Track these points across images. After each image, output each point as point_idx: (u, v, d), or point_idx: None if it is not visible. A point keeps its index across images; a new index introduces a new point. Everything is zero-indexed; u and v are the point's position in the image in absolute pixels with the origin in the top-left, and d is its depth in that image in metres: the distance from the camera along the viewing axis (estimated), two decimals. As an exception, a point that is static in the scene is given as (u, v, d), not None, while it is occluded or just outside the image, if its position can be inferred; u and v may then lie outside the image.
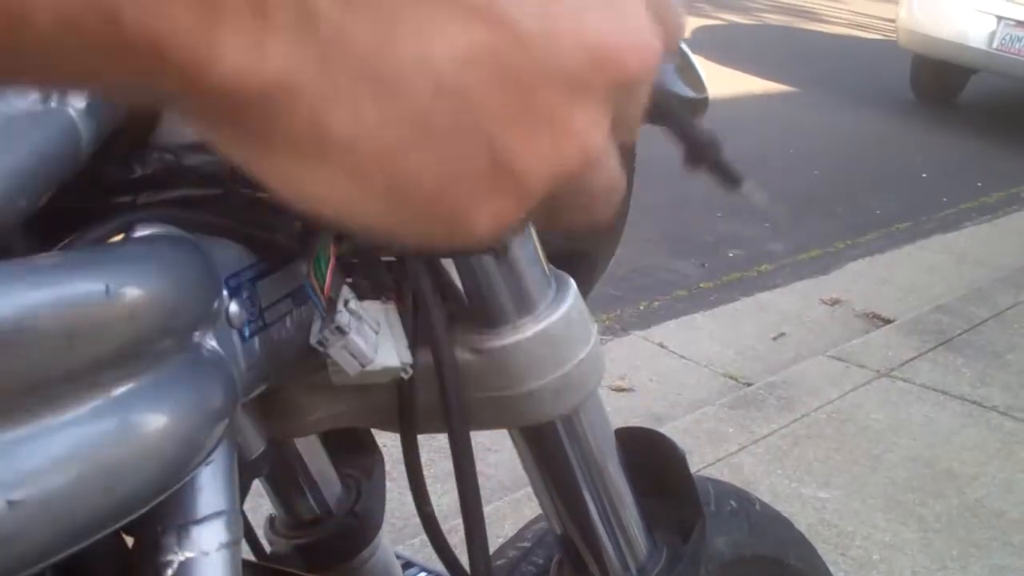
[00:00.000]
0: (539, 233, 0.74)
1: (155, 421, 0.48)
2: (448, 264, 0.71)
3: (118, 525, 0.47)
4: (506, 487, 2.50)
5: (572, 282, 0.77)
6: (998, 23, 6.67)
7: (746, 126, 6.33)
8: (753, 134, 6.29)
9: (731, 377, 3.37)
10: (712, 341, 3.63)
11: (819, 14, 11.86)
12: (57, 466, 0.43)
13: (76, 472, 0.43)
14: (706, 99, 0.70)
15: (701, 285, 4.15)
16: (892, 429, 2.96)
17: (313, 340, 0.66)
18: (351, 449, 1.04)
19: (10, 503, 0.40)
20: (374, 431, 1.01)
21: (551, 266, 0.76)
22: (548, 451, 0.82)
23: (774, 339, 3.71)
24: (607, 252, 0.91)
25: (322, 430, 0.81)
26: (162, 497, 0.50)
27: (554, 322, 0.73)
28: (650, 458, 0.91)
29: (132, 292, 0.48)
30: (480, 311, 0.72)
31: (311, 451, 0.99)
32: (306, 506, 1.00)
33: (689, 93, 0.69)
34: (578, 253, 0.88)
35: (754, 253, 4.55)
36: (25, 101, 0.50)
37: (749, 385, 3.24)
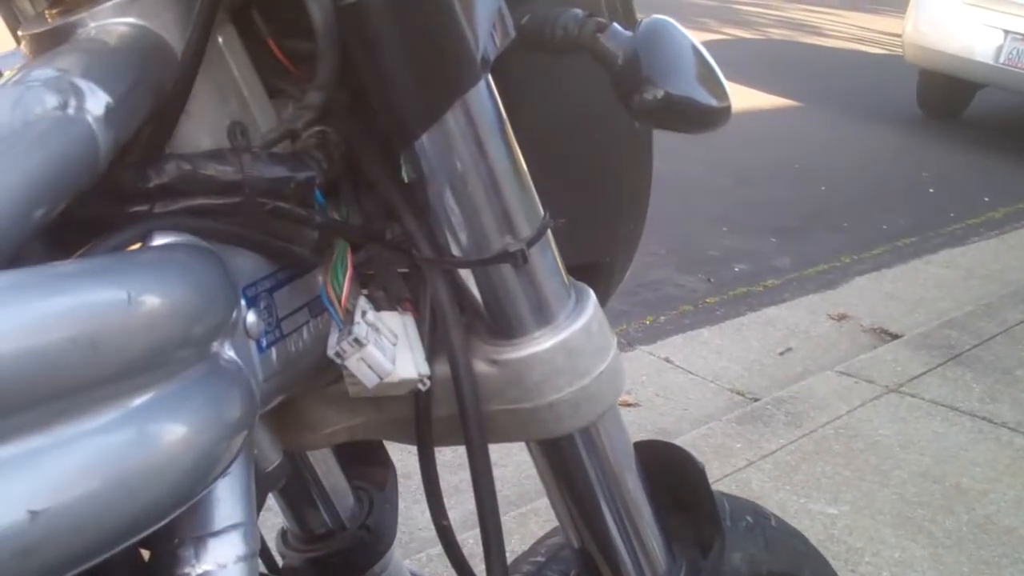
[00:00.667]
0: (557, 242, 0.73)
1: (175, 432, 0.47)
2: (466, 274, 0.70)
3: (139, 536, 0.46)
4: (512, 502, 2.48)
5: (592, 293, 0.76)
6: (1005, 37, 6.67)
7: (752, 141, 6.33)
8: (759, 149, 6.29)
9: (738, 392, 3.36)
10: (719, 356, 3.61)
11: (824, 29, 11.87)
12: (79, 476, 0.42)
13: (98, 483, 0.43)
14: (728, 107, 0.69)
15: (707, 300, 4.14)
16: (901, 445, 2.95)
17: (330, 352, 0.66)
18: (364, 462, 1.04)
19: (32, 513, 0.39)
20: (387, 444, 1.00)
21: (570, 277, 0.75)
22: (566, 464, 0.81)
23: (781, 354, 3.69)
24: (625, 262, 0.91)
25: (338, 442, 0.80)
26: (182, 509, 0.49)
27: (573, 333, 0.72)
28: (669, 472, 0.90)
29: (152, 300, 0.47)
30: (498, 322, 0.71)
31: (324, 464, 0.98)
32: (318, 519, 1.00)
33: (711, 101, 0.68)
34: (596, 263, 0.87)
35: (760, 268, 4.54)
36: (43, 107, 0.50)
37: (756, 400, 3.23)
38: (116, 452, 0.44)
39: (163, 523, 0.48)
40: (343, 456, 1.00)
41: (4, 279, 0.42)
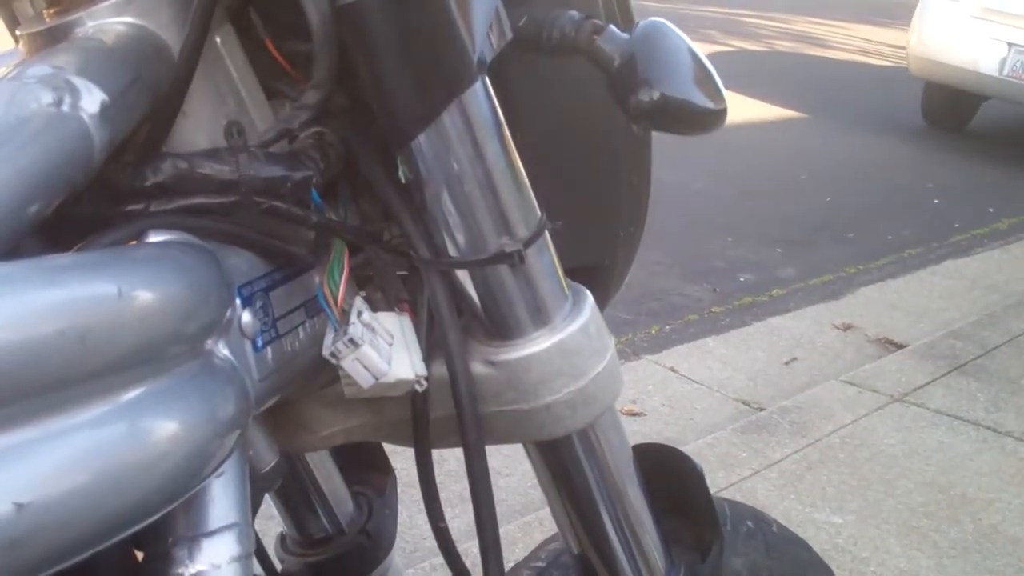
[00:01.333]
0: (556, 245, 0.73)
1: (166, 428, 0.47)
2: (463, 275, 0.70)
3: (127, 533, 0.46)
4: (516, 511, 2.48)
5: (589, 295, 0.75)
6: (1009, 50, 6.67)
7: (757, 152, 6.34)
8: (764, 160, 6.29)
9: (743, 402, 3.35)
10: (724, 366, 3.61)
11: (830, 41, 11.87)
12: (66, 470, 0.42)
13: (85, 476, 0.42)
14: (724, 110, 0.69)
15: (713, 309, 4.13)
16: (906, 454, 2.94)
17: (326, 352, 0.66)
18: (363, 467, 1.03)
19: (18, 506, 0.39)
20: (389, 451, 1.00)
21: (568, 279, 0.75)
22: (565, 466, 0.80)
23: (786, 364, 3.69)
24: (624, 265, 0.90)
25: (335, 444, 0.80)
26: (172, 506, 0.49)
27: (570, 335, 0.72)
28: (668, 475, 0.89)
29: (143, 295, 0.47)
30: (495, 323, 0.71)
31: (323, 469, 0.98)
32: (317, 524, 0.99)
33: (707, 104, 0.68)
34: (596, 266, 0.87)
35: (766, 278, 4.53)
36: (38, 104, 0.50)
37: (761, 410, 3.22)
38: (105, 446, 0.44)
39: (153, 519, 0.47)
40: (342, 461, 1.00)
41: None
